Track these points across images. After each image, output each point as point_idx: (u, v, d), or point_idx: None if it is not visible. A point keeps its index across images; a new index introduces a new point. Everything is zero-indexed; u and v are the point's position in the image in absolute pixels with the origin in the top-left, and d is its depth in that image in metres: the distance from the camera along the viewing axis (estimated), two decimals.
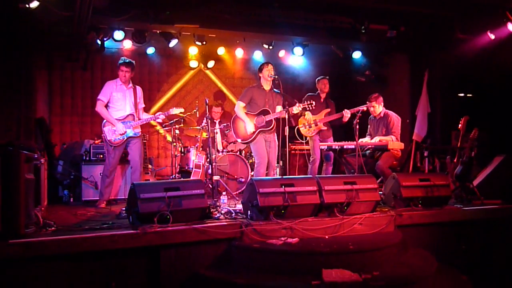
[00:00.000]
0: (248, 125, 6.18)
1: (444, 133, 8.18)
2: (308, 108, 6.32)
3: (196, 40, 7.98)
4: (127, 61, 6.24)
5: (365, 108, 6.71)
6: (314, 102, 6.32)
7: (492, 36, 7.30)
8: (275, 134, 6.26)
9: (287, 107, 5.83)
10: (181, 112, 6.72)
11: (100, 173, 6.49)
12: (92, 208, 6.00)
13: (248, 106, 6.28)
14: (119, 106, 6.22)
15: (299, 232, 4.51)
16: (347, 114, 6.82)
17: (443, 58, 8.32)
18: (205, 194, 4.59)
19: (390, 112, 6.80)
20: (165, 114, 6.44)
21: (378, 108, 6.79)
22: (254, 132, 6.15)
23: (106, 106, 6.22)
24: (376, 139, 6.54)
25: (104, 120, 6.17)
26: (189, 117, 7.68)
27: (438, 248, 5.09)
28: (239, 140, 6.39)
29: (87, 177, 6.79)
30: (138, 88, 6.44)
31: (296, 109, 6.16)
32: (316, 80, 7.44)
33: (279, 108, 6.24)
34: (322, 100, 7.26)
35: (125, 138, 6.15)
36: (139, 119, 6.30)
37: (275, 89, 6.30)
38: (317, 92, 7.31)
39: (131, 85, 6.33)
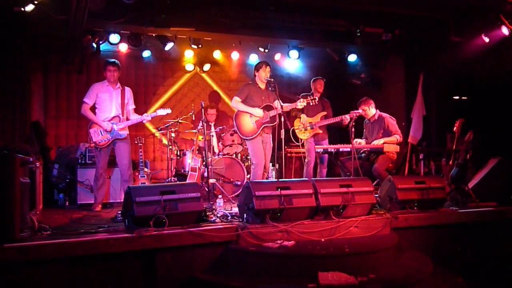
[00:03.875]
0: (254, 111, 6.10)
1: (439, 136, 8.21)
2: (311, 103, 6.33)
3: (191, 43, 7.98)
4: (112, 60, 6.27)
5: (360, 111, 6.72)
6: (316, 98, 6.36)
7: (487, 39, 7.34)
8: (271, 135, 6.26)
9: (282, 109, 5.83)
10: (168, 114, 6.67)
11: (94, 177, 6.47)
12: (88, 211, 5.99)
13: (245, 103, 6.21)
14: (105, 108, 6.22)
15: (295, 235, 4.51)
16: (346, 120, 6.81)
17: (438, 61, 8.36)
18: (201, 198, 4.58)
19: (384, 114, 6.82)
20: (151, 116, 6.42)
21: (369, 110, 6.81)
22: (258, 127, 6.09)
23: (94, 108, 6.22)
24: (380, 142, 6.52)
25: (90, 122, 6.18)
26: (185, 120, 7.68)
27: (434, 250, 5.10)
28: (242, 136, 6.30)
29: (83, 181, 6.76)
30: (127, 89, 6.42)
31: (300, 104, 6.18)
32: (312, 80, 7.48)
33: (277, 104, 6.12)
34: (317, 100, 7.25)
35: (111, 139, 6.14)
36: (127, 120, 6.29)
37: (269, 87, 6.26)
38: (311, 92, 7.32)
39: (118, 85, 6.33)
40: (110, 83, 6.25)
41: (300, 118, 7.15)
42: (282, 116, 5.76)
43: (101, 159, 6.17)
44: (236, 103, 6.22)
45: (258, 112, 6.10)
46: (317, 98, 6.35)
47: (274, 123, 6.10)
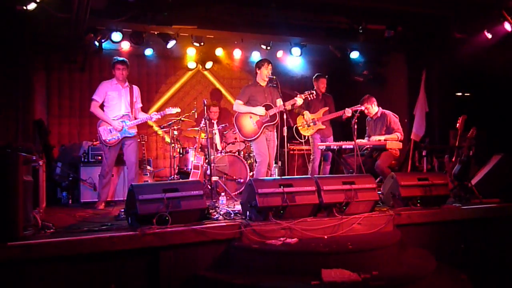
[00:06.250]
0: (256, 110, 6.10)
1: (442, 132, 8.19)
2: (309, 98, 6.32)
3: (194, 41, 7.97)
4: (121, 59, 6.25)
5: (362, 108, 6.72)
6: (314, 92, 6.35)
7: (489, 35, 7.31)
8: (275, 133, 6.25)
9: (284, 106, 5.84)
10: (177, 112, 6.68)
11: (99, 175, 6.49)
12: (91, 209, 6.00)
13: (248, 104, 6.21)
14: (114, 106, 6.21)
15: (298, 232, 4.51)
16: (348, 113, 6.80)
17: (440, 57, 8.33)
18: (204, 195, 4.58)
19: (387, 112, 6.82)
20: (160, 114, 6.43)
21: (372, 108, 6.81)
22: (259, 127, 6.08)
23: (102, 106, 6.22)
24: (381, 138, 6.51)
25: (100, 120, 6.17)
26: (187, 118, 7.69)
27: (437, 247, 5.10)
28: (244, 138, 6.29)
29: (86, 179, 6.78)
30: (135, 88, 6.42)
31: (299, 100, 6.16)
32: (314, 77, 7.51)
33: (279, 102, 6.18)
34: (320, 97, 7.34)
35: (120, 137, 6.14)
36: (135, 118, 6.29)
37: (270, 84, 6.26)
38: (314, 90, 7.32)
39: (127, 84, 6.32)
40: (118, 81, 6.24)
41: (303, 115, 7.19)
42: (285, 113, 5.75)
43: (109, 157, 6.16)
44: (238, 106, 6.23)
45: (260, 110, 6.10)
46: (314, 92, 6.34)
47: (275, 121, 6.10)
